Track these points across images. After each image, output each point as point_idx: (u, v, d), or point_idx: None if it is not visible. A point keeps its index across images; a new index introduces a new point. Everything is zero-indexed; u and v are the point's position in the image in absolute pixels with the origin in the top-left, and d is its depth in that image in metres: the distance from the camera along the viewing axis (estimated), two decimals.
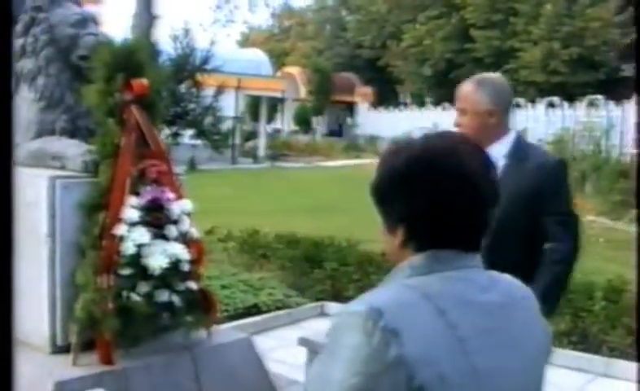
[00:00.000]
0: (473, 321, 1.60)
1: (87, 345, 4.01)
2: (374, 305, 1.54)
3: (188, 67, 9.51)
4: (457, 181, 1.63)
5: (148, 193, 4.14)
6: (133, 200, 4.08)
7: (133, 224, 4.03)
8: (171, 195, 4.23)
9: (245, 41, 69.53)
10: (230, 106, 32.67)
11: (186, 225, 4.28)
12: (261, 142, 39.13)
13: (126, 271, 3.99)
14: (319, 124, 51.10)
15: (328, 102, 50.88)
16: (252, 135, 41.86)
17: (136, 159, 4.20)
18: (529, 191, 3.78)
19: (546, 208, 3.78)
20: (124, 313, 3.94)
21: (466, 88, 3.93)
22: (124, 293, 3.96)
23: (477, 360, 1.57)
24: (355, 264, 9.23)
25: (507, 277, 1.83)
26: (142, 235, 4.02)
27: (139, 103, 4.28)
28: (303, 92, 49.58)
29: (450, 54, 45.78)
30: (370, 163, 33.41)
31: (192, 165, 27.73)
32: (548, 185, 3.80)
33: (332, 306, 8.52)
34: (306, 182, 25.22)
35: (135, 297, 3.97)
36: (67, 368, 3.92)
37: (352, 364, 1.50)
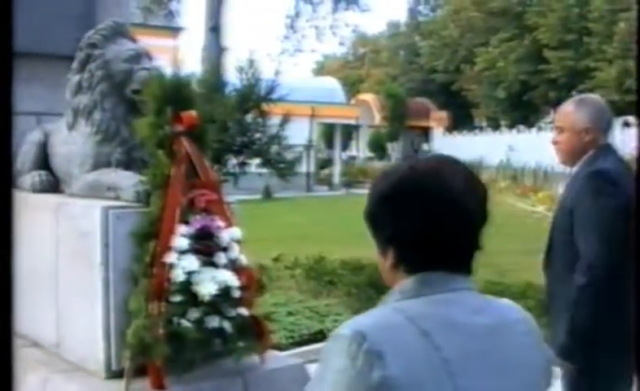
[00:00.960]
0: (459, 343, 1.62)
1: (140, 371, 4.10)
2: (357, 328, 1.59)
3: (253, 97, 9.70)
4: (441, 201, 1.67)
5: (197, 222, 4.24)
6: (182, 229, 4.18)
7: (182, 252, 4.13)
8: (221, 224, 4.32)
9: (320, 70, 70.04)
10: (304, 134, 32.97)
11: (235, 252, 4.35)
12: (336, 170, 39.32)
13: (177, 298, 4.08)
14: (394, 150, 51.08)
15: (403, 127, 50.85)
16: (327, 163, 42.07)
17: (186, 189, 4.31)
18: (570, 202, 3.93)
19: (576, 221, 3.81)
20: (175, 339, 4.02)
21: (567, 108, 4.09)
22: (175, 319, 4.05)
23: (462, 382, 1.58)
24: None
25: (505, 301, 1.84)
26: (191, 262, 4.11)
27: (189, 134, 4.40)
28: (377, 118, 49.67)
29: (524, 75, 45.40)
30: None
31: (267, 194, 27.97)
32: (576, 196, 3.84)
33: None
34: None
35: (186, 323, 4.06)
36: None
37: (336, 387, 1.56)
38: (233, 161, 10.72)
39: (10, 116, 1.18)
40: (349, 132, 48.90)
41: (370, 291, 9.56)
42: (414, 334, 1.59)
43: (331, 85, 40.76)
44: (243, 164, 10.74)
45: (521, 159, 36.01)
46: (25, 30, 5.56)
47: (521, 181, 33.35)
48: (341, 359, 1.56)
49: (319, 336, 8.39)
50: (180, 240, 4.14)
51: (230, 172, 10.96)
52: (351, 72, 66.65)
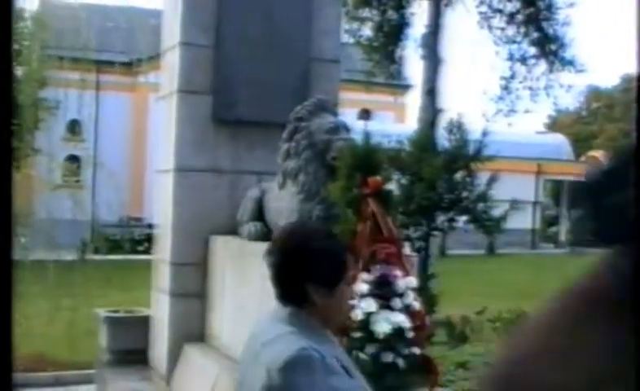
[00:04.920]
0: (246, 347, 2.75)
1: None
2: None
3: (462, 157, 10.21)
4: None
5: (378, 271, 4.98)
6: (364, 276, 4.93)
7: (363, 295, 4.88)
8: (398, 273, 5.03)
9: (553, 125, 68.87)
10: (529, 190, 32.85)
11: (410, 298, 5.03)
12: (563, 227, 38.72)
13: (356, 334, 4.82)
14: None
15: None
16: (554, 220, 41.46)
17: (370, 242, 5.07)
18: None
19: None
20: None
21: None
22: (354, 352, 4.76)
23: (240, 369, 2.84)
24: None
25: (280, 343, 2.67)
26: (370, 304, 4.85)
27: (375, 196, 5.16)
28: None
29: None
30: None
31: (491, 249, 28.12)
32: None
33: None
34: None
35: (363, 356, 4.78)
36: None
37: None
38: (442, 218, 11.35)
39: (10, 117, 1.20)
40: None
41: None
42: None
43: (558, 141, 40.26)
44: (451, 221, 11.34)
45: None
46: (250, 103, 6.62)
47: None
48: None
49: None
50: (361, 285, 4.90)
51: (439, 228, 11.59)
52: (583, 128, 65.16)
